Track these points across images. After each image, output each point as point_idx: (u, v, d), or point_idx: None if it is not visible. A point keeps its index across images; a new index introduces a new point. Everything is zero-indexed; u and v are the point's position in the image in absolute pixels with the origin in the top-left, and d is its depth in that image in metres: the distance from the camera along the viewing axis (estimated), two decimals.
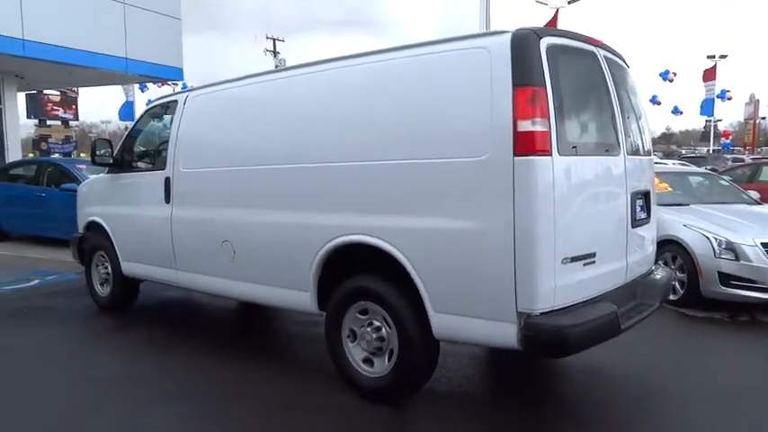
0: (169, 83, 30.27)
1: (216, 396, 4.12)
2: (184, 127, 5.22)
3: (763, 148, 43.88)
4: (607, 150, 3.76)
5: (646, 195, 4.19)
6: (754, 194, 7.97)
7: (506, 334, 3.29)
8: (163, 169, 5.35)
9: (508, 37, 3.34)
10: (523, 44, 3.31)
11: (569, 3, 22.97)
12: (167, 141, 5.38)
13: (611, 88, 3.87)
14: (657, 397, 4.11)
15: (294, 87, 4.37)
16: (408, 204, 3.63)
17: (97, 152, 5.89)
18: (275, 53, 40.70)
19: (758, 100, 50.38)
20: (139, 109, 34.83)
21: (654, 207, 4.37)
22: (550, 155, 3.22)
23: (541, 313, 3.22)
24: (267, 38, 41.11)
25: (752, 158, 28.83)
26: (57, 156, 29.69)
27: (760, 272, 5.93)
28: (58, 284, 7.79)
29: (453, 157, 3.43)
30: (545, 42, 3.36)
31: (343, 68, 4.07)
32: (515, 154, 3.20)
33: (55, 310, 6.48)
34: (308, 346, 5.29)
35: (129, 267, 5.92)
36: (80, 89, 35.21)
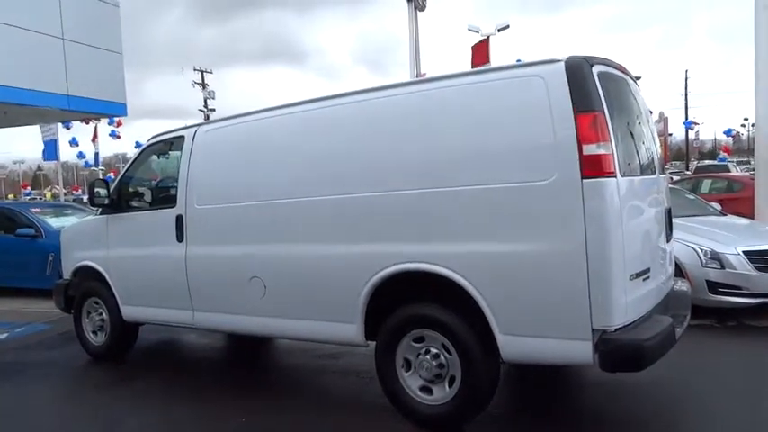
0: (93, 120, 29.15)
1: None
2: (196, 163, 5.07)
3: (674, 162, 46.78)
4: (649, 170, 3.98)
5: (669, 212, 4.44)
6: (717, 206, 8.53)
7: (581, 351, 3.38)
8: (172, 207, 5.17)
9: (562, 65, 3.49)
10: (579, 71, 3.46)
11: (499, 30, 23.99)
12: (175, 178, 5.21)
13: (642, 112, 4.11)
14: (653, 399, 4.31)
15: (335, 117, 4.31)
16: (471, 230, 3.68)
17: (95, 193, 5.59)
18: (204, 85, 40.00)
19: (667, 117, 53.96)
20: (63, 147, 33.34)
21: (674, 223, 4.62)
22: (615, 176, 3.37)
23: (616, 329, 3.33)
24: (195, 70, 40.36)
25: (669, 174, 30.72)
26: None
27: (744, 278, 6.34)
28: (30, 336, 7.27)
29: (518, 181, 3.52)
30: (596, 70, 3.53)
31: (393, 97, 4.07)
32: (583, 176, 3.33)
33: (42, 365, 6.04)
34: (323, 380, 5.20)
35: (130, 312, 5.63)
36: None
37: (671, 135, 57.97)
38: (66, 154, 44.03)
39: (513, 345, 3.59)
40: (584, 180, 3.33)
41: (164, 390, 5.16)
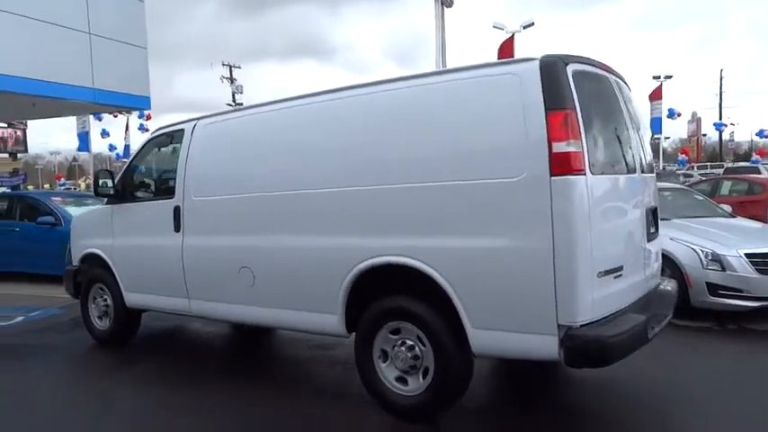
0: (124, 112, 29.80)
1: (247, 426, 4.11)
2: (194, 155, 5.23)
3: (708, 163, 45.80)
4: (626, 168, 3.99)
5: (654, 211, 4.42)
6: (727, 208, 8.41)
7: (547, 346, 3.42)
8: (171, 198, 5.34)
9: (536, 64, 3.53)
10: (552, 70, 3.50)
11: (524, 28, 23.83)
12: (174, 170, 5.38)
13: (623, 110, 4.12)
14: (651, 403, 4.31)
15: (326, 112, 4.41)
16: (445, 225, 3.75)
17: (99, 183, 5.81)
18: (232, 80, 40.54)
19: (700, 118, 52.94)
20: (95, 139, 34.19)
21: (660, 222, 4.61)
22: (584, 174, 3.40)
23: (582, 325, 3.37)
24: (223, 65, 40.93)
25: (699, 174, 30.18)
26: (4, 189, 28.66)
27: (745, 281, 6.26)
28: (45, 320, 7.57)
29: (489, 178, 3.58)
30: (571, 68, 3.56)
31: (373, 93, 4.16)
32: (552, 174, 3.37)
33: (50, 347, 6.31)
34: (315, 369, 5.32)
35: (132, 298, 5.83)
36: (28, 121, 34.21)
37: (705, 136, 56.96)
38: (100, 146, 45.02)
39: (483, 338, 3.65)
40: (552, 177, 3.37)
41: (160, 375, 5.35)
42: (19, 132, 39.96)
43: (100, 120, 32.65)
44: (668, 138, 44.85)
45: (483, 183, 3.61)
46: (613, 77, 4.20)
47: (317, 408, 4.36)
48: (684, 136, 58.40)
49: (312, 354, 5.69)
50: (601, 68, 4.07)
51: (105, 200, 6.19)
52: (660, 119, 33.13)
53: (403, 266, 3.89)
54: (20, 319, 7.65)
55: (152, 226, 5.55)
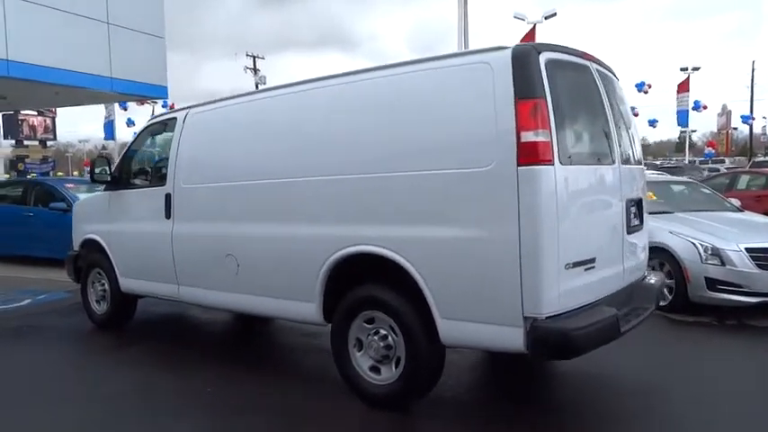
0: (149, 101, 30.26)
1: (217, 408, 4.18)
2: (184, 143, 5.29)
3: (737, 158, 44.79)
4: (603, 160, 3.92)
5: (638, 203, 4.35)
6: (736, 202, 8.23)
7: (513, 338, 3.40)
8: (163, 185, 5.41)
9: (509, 52, 3.50)
10: (524, 59, 3.46)
11: (546, 18, 23.51)
12: (167, 158, 5.45)
13: (604, 100, 4.04)
14: (648, 399, 4.24)
15: (302, 102, 4.45)
16: (417, 215, 3.74)
17: (96, 170, 5.93)
18: (255, 70, 40.80)
19: (730, 111, 51.72)
20: (120, 127, 34.80)
21: (646, 214, 4.54)
22: (552, 164, 3.36)
23: (547, 317, 3.34)
24: (247, 55, 41.22)
25: (726, 168, 29.51)
26: (34, 175, 29.39)
27: (745, 276, 6.13)
28: (50, 303, 7.76)
29: (459, 167, 3.56)
30: (544, 57, 3.52)
31: (348, 83, 4.18)
32: (519, 164, 3.34)
33: (50, 329, 6.47)
34: (305, 357, 5.37)
35: (127, 284, 5.94)
36: (57, 109, 34.97)
37: (735, 129, 55.62)
38: (126, 134, 45.85)
39: (452, 329, 3.64)
40: (519, 167, 3.34)
41: (153, 358, 5.45)
42: (48, 121, 40.94)
43: (125, 109, 33.19)
44: (694, 131, 43.87)
45: (453, 172, 3.59)
46: (596, 66, 4.13)
47: (292, 389, 4.43)
48: (715, 129, 57.16)
49: (304, 341, 5.74)
50: (582, 58, 4.01)
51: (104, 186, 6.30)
52: (687, 111, 32.53)
53: (376, 256, 3.89)
54: (27, 301, 7.85)
55: (145, 213, 5.63)
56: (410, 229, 3.75)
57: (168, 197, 5.34)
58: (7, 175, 30.26)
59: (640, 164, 4.63)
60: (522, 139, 3.34)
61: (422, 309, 3.74)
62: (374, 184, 3.92)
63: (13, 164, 38.00)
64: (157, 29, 15.46)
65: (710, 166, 30.69)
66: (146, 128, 6.03)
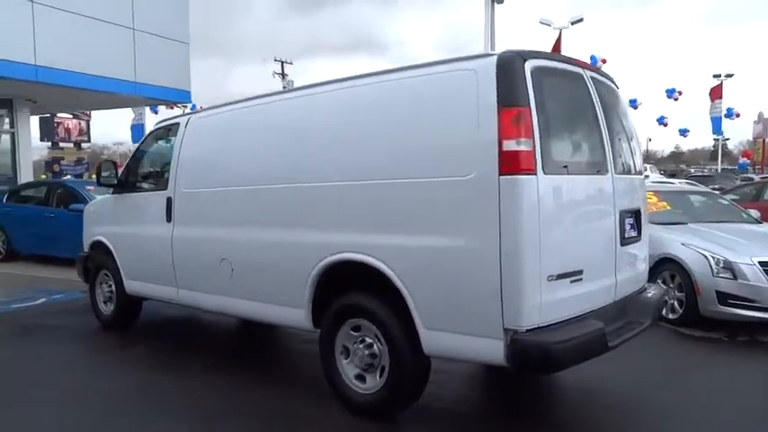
0: (179, 105, 30.74)
1: (215, 410, 4.21)
2: (186, 148, 5.35)
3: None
4: (594, 169, 3.83)
5: (636, 214, 4.24)
6: (755, 213, 7.98)
7: (494, 350, 3.33)
8: (165, 189, 5.48)
9: (494, 60, 3.44)
10: (508, 66, 3.40)
11: (572, 24, 23.24)
12: (170, 163, 5.51)
13: (597, 109, 3.94)
14: (653, 414, 4.13)
15: (290, 109, 4.49)
16: (401, 223, 3.71)
17: (102, 174, 6.03)
18: (283, 75, 41.23)
19: (767, 118, 50.24)
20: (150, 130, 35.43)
21: (645, 225, 4.42)
22: (535, 173, 3.29)
23: (528, 330, 3.26)
24: (275, 60, 41.68)
25: (760, 177, 28.71)
26: (68, 177, 30.06)
27: (758, 291, 5.93)
28: (64, 303, 7.91)
29: (442, 176, 3.51)
30: (530, 65, 3.45)
31: (336, 91, 4.18)
32: (500, 173, 3.28)
33: (60, 328, 6.58)
34: (305, 362, 5.35)
35: (132, 286, 6.02)
36: (92, 112, 35.74)
37: None
38: None
39: (435, 339, 3.59)
40: (501, 177, 3.28)
41: (156, 359, 5.51)
42: (83, 123, 41.81)
43: (156, 113, 33.75)
44: (728, 139, 42.77)
45: (436, 181, 3.55)
46: (590, 74, 4.04)
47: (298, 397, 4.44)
48: (750, 137, 55.68)
49: (302, 347, 5.74)
50: (574, 65, 3.93)
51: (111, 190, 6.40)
52: (720, 118, 31.77)
53: (359, 263, 3.87)
54: (42, 300, 8.03)
55: (148, 216, 5.70)
56: (393, 238, 3.72)
57: (169, 201, 5.40)
58: (43, 176, 31.00)
59: (640, 174, 4.52)
60: (504, 148, 3.28)
61: (406, 318, 3.70)
62: (359, 192, 3.90)
63: (48, 165, 38.92)
64: (182, 35, 15.73)
65: (743, 175, 29.91)
66: (151, 132, 6.13)
